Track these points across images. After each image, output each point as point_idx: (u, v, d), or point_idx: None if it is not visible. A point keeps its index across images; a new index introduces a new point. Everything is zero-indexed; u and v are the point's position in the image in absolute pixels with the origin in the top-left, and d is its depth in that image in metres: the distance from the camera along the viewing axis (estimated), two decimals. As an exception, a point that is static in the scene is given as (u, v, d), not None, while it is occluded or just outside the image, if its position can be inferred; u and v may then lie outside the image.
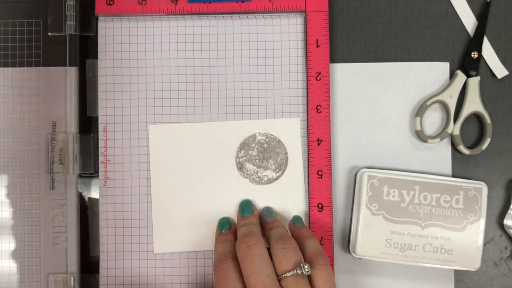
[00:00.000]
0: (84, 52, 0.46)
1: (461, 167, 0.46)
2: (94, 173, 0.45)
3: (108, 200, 0.45)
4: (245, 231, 0.40)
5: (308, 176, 0.45)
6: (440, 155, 0.46)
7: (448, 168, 0.46)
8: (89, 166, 0.45)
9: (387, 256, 0.43)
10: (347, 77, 0.46)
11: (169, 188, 0.45)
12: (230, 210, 0.45)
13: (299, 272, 0.37)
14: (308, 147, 0.45)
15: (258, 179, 0.45)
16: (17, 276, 0.45)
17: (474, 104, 0.45)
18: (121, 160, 0.45)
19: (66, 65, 0.46)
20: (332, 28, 0.46)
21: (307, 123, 0.45)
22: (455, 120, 0.45)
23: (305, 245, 0.40)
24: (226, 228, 0.43)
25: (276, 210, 0.44)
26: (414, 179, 0.43)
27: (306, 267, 0.37)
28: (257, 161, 0.45)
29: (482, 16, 0.46)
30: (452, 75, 0.46)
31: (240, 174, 0.45)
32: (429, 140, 0.45)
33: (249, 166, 0.45)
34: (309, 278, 0.38)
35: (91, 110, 0.46)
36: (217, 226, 0.44)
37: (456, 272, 0.45)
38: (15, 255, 0.45)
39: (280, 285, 0.37)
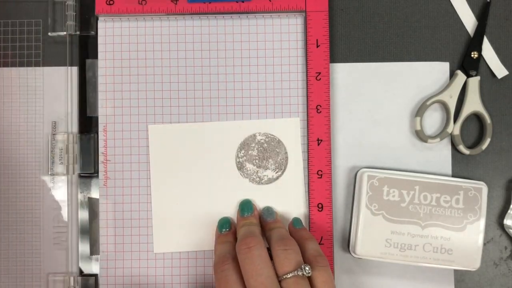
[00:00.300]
0: (84, 52, 0.46)
1: (461, 167, 0.46)
2: (94, 173, 0.45)
3: (108, 200, 0.45)
4: (245, 232, 0.40)
5: (308, 176, 0.45)
6: (440, 155, 0.46)
7: (448, 168, 0.46)
8: (89, 166, 0.45)
9: (387, 256, 0.43)
10: (347, 77, 0.46)
11: (169, 188, 0.45)
12: (230, 210, 0.45)
13: (300, 273, 0.37)
14: (308, 147, 0.45)
15: (258, 179, 0.45)
16: (17, 276, 0.45)
17: (474, 104, 0.45)
18: (121, 160, 0.45)
19: (66, 65, 0.46)
20: (332, 28, 0.46)
21: (307, 123, 0.45)
22: (455, 120, 0.45)
23: (305, 246, 0.40)
24: (226, 229, 0.43)
25: (276, 210, 0.44)
26: (414, 179, 0.43)
27: (307, 268, 0.37)
28: (257, 161, 0.45)
29: (482, 16, 0.46)
30: (452, 75, 0.46)
31: (240, 174, 0.45)
32: (429, 140, 0.45)
33: (249, 166, 0.45)
34: (309, 279, 0.38)
35: (91, 110, 0.46)
36: (217, 227, 0.44)
37: (456, 272, 0.45)
38: (15, 255, 0.45)
39: (280, 286, 0.36)
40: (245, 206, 0.44)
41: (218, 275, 0.38)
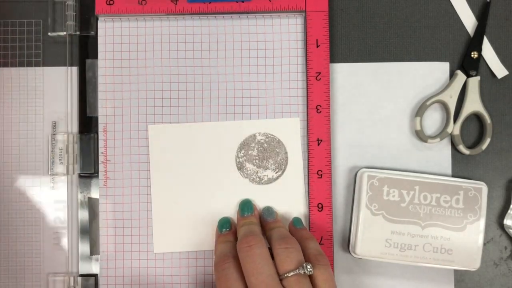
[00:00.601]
0: (84, 52, 0.46)
1: (461, 167, 0.46)
2: (94, 173, 0.45)
3: (108, 200, 0.45)
4: (245, 231, 0.40)
5: (308, 176, 0.45)
6: (440, 155, 0.46)
7: (448, 168, 0.46)
8: (89, 166, 0.45)
9: (387, 256, 0.43)
10: (347, 77, 0.46)
11: (169, 188, 0.45)
12: (230, 210, 0.45)
13: (301, 272, 0.37)
14: (308, 147, 0.45)
15: (258, 179, 0.45)
16: (17, 276, 0.45)
17: (474, 104, 0.45)
18: (121, 160, 0.45)
19: (66, 65, 0.46)
20: (332, 28, 0.46)
21: (307, 123, 0.45)
22: (455, 120, 0.45)
23: (305, 246, 0.40)
24: (226, 228, 0.43)
25: (276, 210, 0.44)
26: (414, 179, 0.43)
27: (308, 266, 0.37)
28: (257, 161, 0.45)
29: (482, 16, 0.46)
30: (452, 75, 0.46)
31: (240, 174, 0.45)
32: (429, 140, 0.45)
33: (249, 166, 0.45)
34: (310, 278, 0.38)
35: (91, 110, 0.46)
36: (217, 226, 0.44)
37: (456, 272, 0.45)
38: (15, 255, 0.45)
39: (281, 285, 0.37)
40: (245, 206, 0.44)
41: (218, 274, 0.38)
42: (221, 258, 0.39)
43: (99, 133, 0.45)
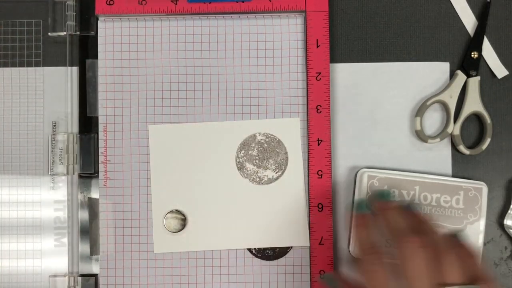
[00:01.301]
0: (84, 52, 0.46)
1: (461, 167, 0.46)
2: (94, 173, 0.45)
3: (108, 200, 0.45)
4: (407, 226, 0.37)
5: (308, 176, 0.45)
6: (440, 155, 0.46)
7: (448, 168, 0.46)
8: (89, 166, 0.45)
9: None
10: (347, 77, 0.46)
11: (169, 188, 0.45)
12: (230, 210, 0.45)
13: None
14: (308, 147, 0.45)
15: (258, 179, 0.45)
16: (17, 277, 0.45)
17: (474, 104, 0.45)
18: (121, 160, 0.45)
19: (66, 65, 0.46)
20: (332, 28, 0.46)
21: (307, 123, 0.45)
22: (455, 120, 0.45)
23: (472, 263, 0.35)
24: (363, 210, 0.40)
25: (281, 210, 0.44)
26: (414, 179, 0.43)
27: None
28: (257, 161, 0.45)
29: (482, 16, 0.46)
30: (452, 75, 0.46)
31: (240, 174, 0.45)
32: (429, 140, 0.45)
33: (249, 166, 0.45)
34: None
35: (91, 110, 0.46)
36: (353, 209, 0.41)
37: (456, 272, 0.45)
38: (16, 255, 0.45)
39: None
40: (384, 193, 0.41)
41: (369, 267, 0.35)
42: (373, 250, 0.37)
43: (99, 133, 0.45)
